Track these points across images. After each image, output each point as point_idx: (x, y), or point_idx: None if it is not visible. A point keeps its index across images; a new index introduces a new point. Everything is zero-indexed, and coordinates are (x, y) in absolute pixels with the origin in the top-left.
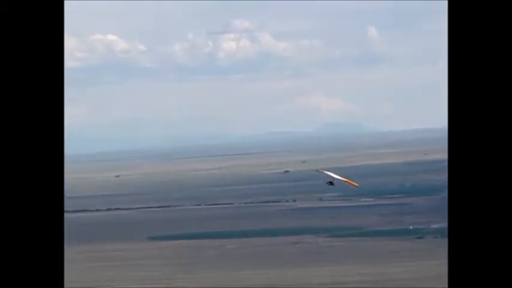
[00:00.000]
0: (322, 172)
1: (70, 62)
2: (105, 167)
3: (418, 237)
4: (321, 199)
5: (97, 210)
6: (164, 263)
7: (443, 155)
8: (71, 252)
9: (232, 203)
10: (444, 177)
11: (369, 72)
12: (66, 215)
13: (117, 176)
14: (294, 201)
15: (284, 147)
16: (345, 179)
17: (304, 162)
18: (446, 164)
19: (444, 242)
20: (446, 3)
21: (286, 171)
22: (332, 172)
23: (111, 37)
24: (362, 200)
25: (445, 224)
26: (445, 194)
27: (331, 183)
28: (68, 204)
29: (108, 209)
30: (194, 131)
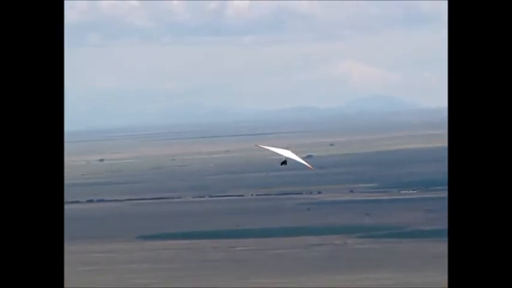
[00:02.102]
0: (262, 147)
1: None
2: (86, 148)
3: None
4: (352, 191)
5: (76, 201)
6: (159, 268)
7: None
8: None
9: (243, 195)
10: None
11: (413, 36)
12: None
13: (101, 160)
14: (319, 193)
15: (307, 127)
16: (300, 159)
17: (331, 145)
18: None
19: None
20: (446, 3)
21: (310, 156)
22: (297, 153)
23: None
24: (402, 192)
25: None
26: None
27: (284, 162)
28: None
29: (89, 201)
30: (196, 104)
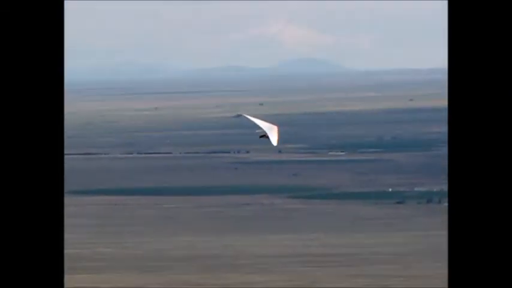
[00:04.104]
0: (246, 117)
1: None
2: None
3: (398, 202)
4: (280, 151)
5: None
6: (86, 224)
7: (432, 102)
8: None
9: (171, 153)
10: (433, 129)
11: None
12: None
13: None
14: (247, 152)
15: (236, 86)
16: (275, 138)
17: (261, 105)
18: (436, 114)
19: (430, 208)
20: (446, 3)
21: (239, 116)
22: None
23: None
24: (331, 153)
25: (431, 187)
26: (434, 150)
27: (264, 136)
28: None
29: None
30: (123, 61)
